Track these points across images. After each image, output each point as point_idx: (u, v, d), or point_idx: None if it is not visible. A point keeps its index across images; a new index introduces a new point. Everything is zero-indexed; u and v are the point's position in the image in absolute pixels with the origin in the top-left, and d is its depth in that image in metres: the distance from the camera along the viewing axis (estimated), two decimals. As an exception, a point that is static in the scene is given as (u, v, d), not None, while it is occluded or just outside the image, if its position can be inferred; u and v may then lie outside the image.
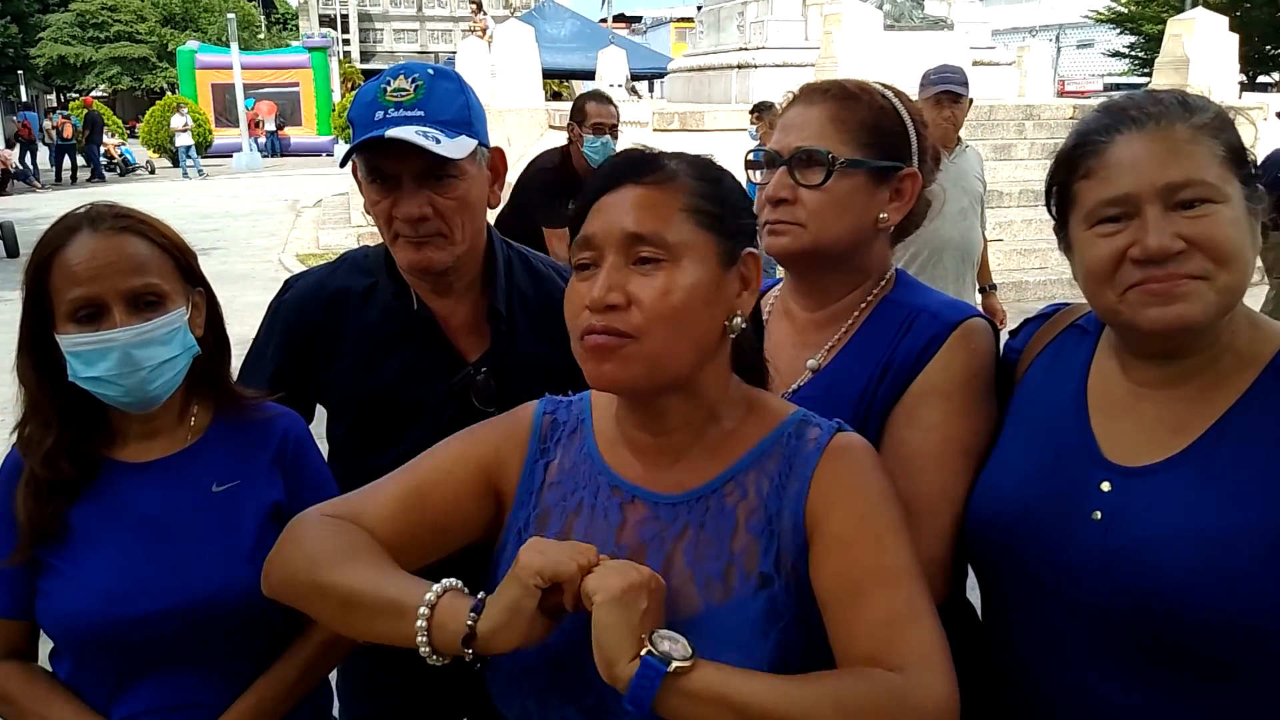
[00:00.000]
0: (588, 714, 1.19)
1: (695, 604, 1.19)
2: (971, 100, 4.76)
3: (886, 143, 1.58)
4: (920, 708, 1.08)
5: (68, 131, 26.37)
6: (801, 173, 1.56)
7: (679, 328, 1.17)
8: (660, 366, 1.18)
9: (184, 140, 27.19)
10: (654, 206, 1.19)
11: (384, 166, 1.74)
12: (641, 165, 1.22)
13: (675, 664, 1.05)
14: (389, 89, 1.73)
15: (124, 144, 29.03)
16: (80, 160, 27.15)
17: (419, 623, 1.13)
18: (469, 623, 1.11)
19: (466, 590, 1.18)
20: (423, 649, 1.13)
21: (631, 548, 1.23)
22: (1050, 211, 1.40)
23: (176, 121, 27.96)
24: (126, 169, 28.19)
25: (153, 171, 28.48)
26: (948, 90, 4.56)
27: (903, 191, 1.60)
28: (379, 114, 1.71)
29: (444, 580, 1.17)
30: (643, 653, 1.06)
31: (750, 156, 1.67)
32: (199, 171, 27.01)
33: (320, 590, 1.22)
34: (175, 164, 28.83)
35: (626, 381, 1.18)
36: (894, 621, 1.13)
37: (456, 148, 1.71)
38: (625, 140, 11.49)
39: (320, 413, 1.97)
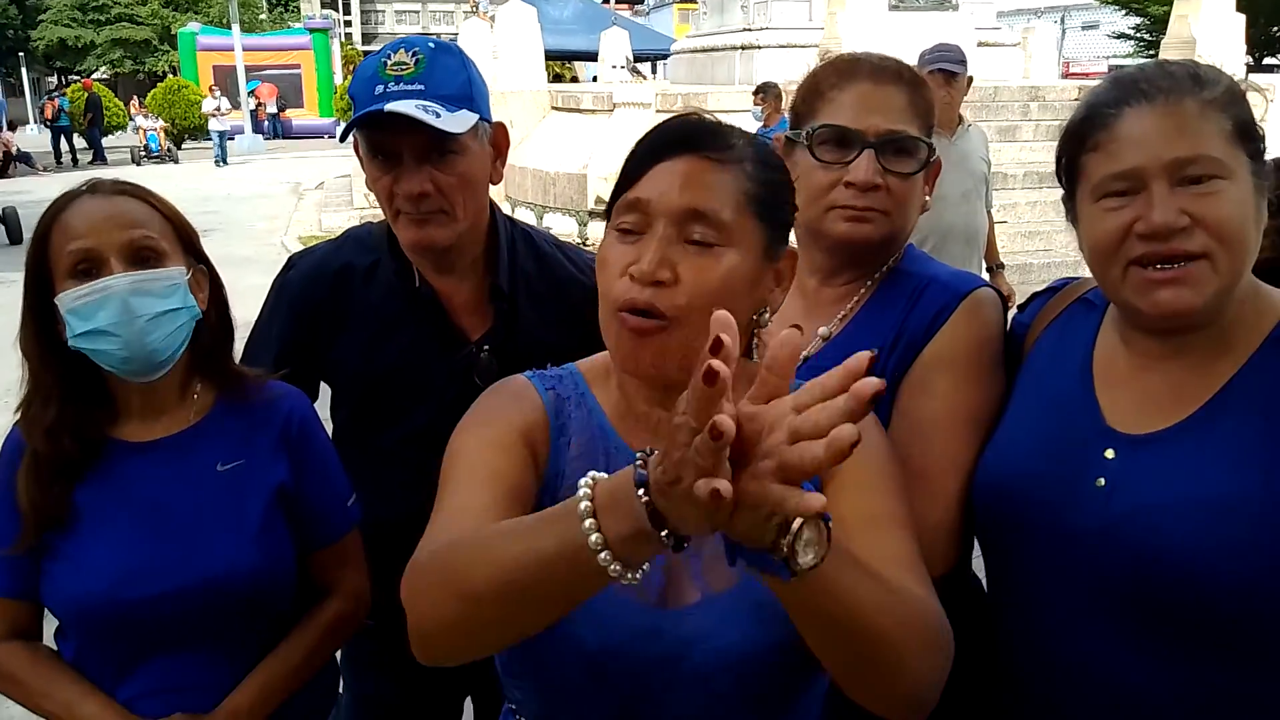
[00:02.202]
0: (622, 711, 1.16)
1: (692, 592, 1.17)
2: (970, 79, 4.75)
3: (930, 129, 1.60)
4: (943, 628, 1.10)
5: (48, 112, 26.13)
6: (891, 158, 1.53)
7: None
8: (694, 355, 1.12)
9: (218, 125, 24.81)
10: (716, 185, 1.13)
11: (385, 142, 1.71)
12: (707, 136, 1.15)
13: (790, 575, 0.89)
14: (389, 63, 1.71)
15: (154, 130, 26.13)
16: (82, 143, 27.07)
17: (591, 535, 0.89)
18: (642, 498, 0.87)
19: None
20: (606, 563, 0.89)
21: None
22: (1060, 182, 1.40)
23: (208, 105, 25.68)
24: (148, 156, 25.42)
25: (176, 160, 25.63)
26: (942, 68, 4.54)
27: (931, 175, 1.62)
28: (379, 88, 1.69)
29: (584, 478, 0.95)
30: (778, 556, 0.87)
31: (815, 130, 1.57)
32: (223, 159, 24.61)
33: (478, 596, 1.00)
34: (179, 145, 28.45)
35: (661, 372, 1.15)
36: (910, 561, 1.15)
37: (457, 122, 1.69)
38: (628, 123, 11.39)
39: (324, 392, 1.96)
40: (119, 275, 1.50)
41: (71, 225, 1.52)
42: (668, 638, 1.13)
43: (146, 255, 1.53)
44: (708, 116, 1.20)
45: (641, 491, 0.86)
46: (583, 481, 0.93)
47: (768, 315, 1.22)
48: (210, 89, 27.33)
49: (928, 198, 1.62)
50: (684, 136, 1.15)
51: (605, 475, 0.93)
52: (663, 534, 0.86)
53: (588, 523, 0.89)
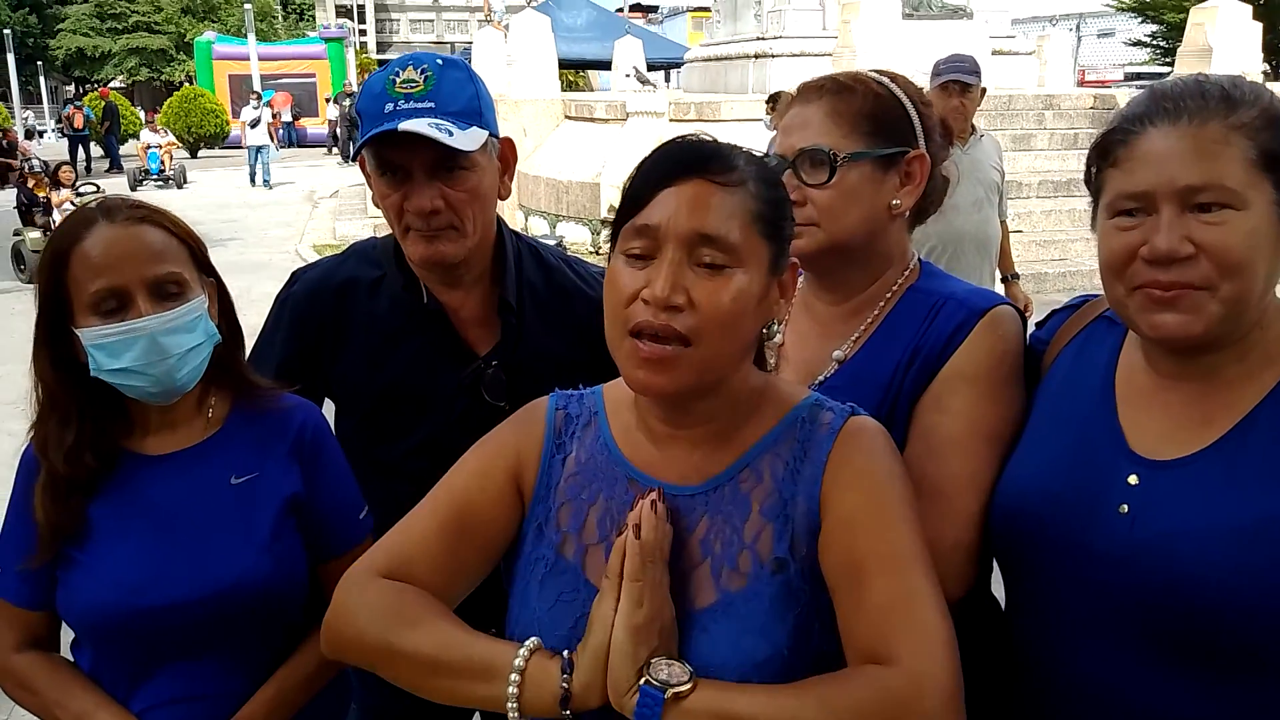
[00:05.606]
0: None
1: (712, 593, 1.19)
2: (984, 90, 4.75)
3: (888, 129, 1.59)
4: (911, 701, 1.07)
5: (79, 122, 25.97)
6: (806, 172, 1.56)
7: (731, 334, 1.17)
8: (708, 373, 1.19)
9: (257, 139, 21.42)
10: (723, 208, 1.16)
11: (395, 159, 1.71)
12: (711, 159, 1.18)
13: (671, 690, 1.09)
14: (398, 80, 1.71)
15: (157, 148, 22.01)
16: (99, 151, 27.25)
17: (510, 688, 1.14)
18: (563, 684, 1.13)
19: (552, 650, 1.19)
20: (512, 714, 1.15)
21: None
22: (1090, 191, 1.39)
23: (247, 114, 22.14)
24: (149, 177, 21.48)
25: (180, 184, 21.53)
26: (955, 79, 4.53)
27: (912, 174, 1.60)
28: (389, 106, 1.69)
29: (527, 641, 1.18)
30: (641, 683, 1.10)
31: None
32: (266, 182, 21.37)
33: (397, 654, 1.22)
34: (194, 154, 28.26)
35: (674, 392, 1.18)
36: (893, 608, 1.13)
37: (468, 139, 1.70)
38: (641, 131, 11.38)
39: (328, 406, 1.96)
40: (149, 317, 1.49)
41: (92, 258, 1.49)
42: None
43: (171, 290, 1.53)
44: (708, 138, 1.23)
45: (564, 676, 1.13)
46: (521, 651, 1.16)
47: (776, 327, 1.26)
48: (254, 94, 24.54)
49: (896, 200, 1.59)
50: (687, 160, 1.18)
51: (538, 646, 1.17)
52: (565, 712, 1.12)
53: (511, 690, 1.14)
